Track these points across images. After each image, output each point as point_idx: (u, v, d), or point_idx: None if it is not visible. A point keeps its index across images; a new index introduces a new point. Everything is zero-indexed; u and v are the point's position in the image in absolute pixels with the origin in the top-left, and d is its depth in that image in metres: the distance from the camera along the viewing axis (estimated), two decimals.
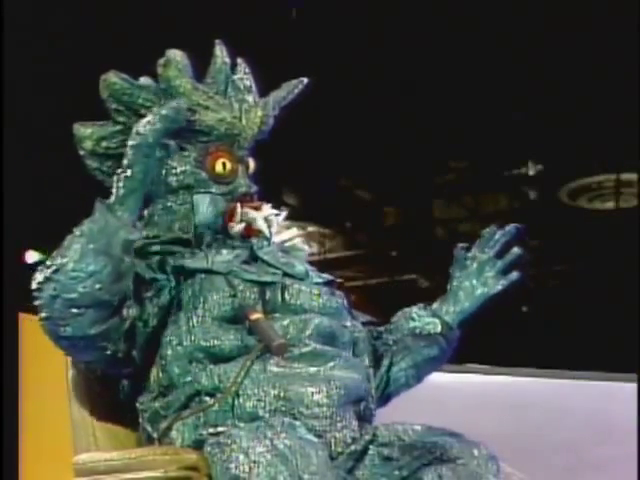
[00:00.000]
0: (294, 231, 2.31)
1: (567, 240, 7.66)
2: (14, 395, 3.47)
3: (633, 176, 7.25)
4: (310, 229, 7.89)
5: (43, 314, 1.96)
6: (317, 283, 2.19)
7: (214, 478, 1.85)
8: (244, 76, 2.31)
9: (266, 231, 2.20)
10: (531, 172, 7.87)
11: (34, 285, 1.95)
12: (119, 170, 2.00)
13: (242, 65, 2.33)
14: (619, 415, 3.70)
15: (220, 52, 2.32)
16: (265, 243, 2.22)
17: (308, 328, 2.06)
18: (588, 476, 3.64)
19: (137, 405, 2.11)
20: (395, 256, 8.45)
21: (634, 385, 3.65)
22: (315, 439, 1.87)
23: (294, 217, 6.03)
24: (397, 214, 8.34)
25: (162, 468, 1.89)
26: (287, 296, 2.11)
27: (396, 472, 2.00)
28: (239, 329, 2.03)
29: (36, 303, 1.97)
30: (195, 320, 2.04)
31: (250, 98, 2.28)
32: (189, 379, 2.02)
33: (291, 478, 1.75)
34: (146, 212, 2.24)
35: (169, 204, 2.22)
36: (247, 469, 1.78)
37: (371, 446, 2.02)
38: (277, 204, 2.28)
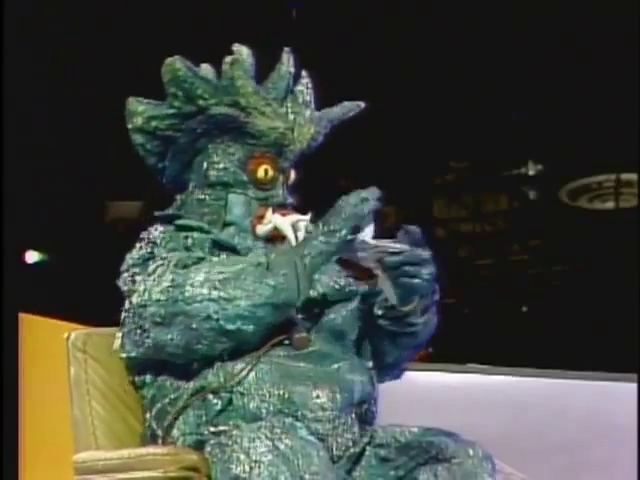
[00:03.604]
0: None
1: (567, 240, 7.67)
2: (14, 395, 3.47)
3: (633, 176, 7.26)
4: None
5: None
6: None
7: (214, 478, 1.85)
8: (305, 90, 2.31)
9: (292, 237, 2.20)
10: (531, 172, 7.88)
11: None
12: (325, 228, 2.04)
13: (305, 78, 2.33)
14: (619, 415, 3.70)
15: (286, 60, 2.31)
16: None
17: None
18: (588, 476, 3.64)
19: (145, 402, 2.10)
20: None
21: (634, 385, 3.64)
22: (316, 440, 1.87)
23: None
24: (397, 214, 8.33)
25: (162, 468, 1.88)
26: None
27: (392, 472, 2.01)
28: None
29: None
30: None
31: (307, 113, 2.28)
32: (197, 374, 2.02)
33: (292, 478, 1.76)
34: (179, 197, 2.26)
35: (203, 196, 2.23)
36: (248, 469, 1.78)
37: (368, 447, 2.02)
38: None
